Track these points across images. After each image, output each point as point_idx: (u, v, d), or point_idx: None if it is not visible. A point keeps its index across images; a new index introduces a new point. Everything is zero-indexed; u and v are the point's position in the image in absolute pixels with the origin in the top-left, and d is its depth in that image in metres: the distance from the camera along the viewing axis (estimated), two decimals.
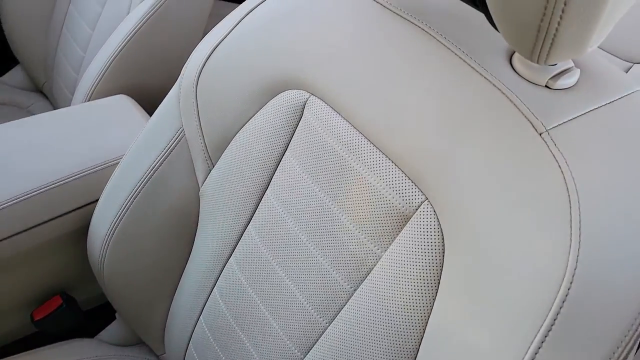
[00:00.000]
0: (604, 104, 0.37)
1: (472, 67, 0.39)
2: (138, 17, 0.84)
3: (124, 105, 0.79)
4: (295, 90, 0.46)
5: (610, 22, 0.30)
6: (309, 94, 0.45)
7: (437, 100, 0.39)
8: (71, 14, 1.03)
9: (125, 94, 0.88)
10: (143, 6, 0.85)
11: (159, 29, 0.85)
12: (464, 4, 0.42)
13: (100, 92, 0.87)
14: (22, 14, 1.10)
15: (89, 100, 0.89)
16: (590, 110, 0.37)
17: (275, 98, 0.48)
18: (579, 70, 0.38)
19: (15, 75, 1.22)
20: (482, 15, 0.43)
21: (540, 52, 0.31)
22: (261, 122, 0.49)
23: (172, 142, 0.55)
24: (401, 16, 0.43)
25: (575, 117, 0.36)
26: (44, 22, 1.10)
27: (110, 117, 0.76)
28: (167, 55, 0.89)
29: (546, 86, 0.38)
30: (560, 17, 0.28)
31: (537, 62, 0.32)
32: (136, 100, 0.87)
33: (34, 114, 0.88)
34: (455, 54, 0.40)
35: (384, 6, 0.44)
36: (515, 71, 0.39)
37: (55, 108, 1.13)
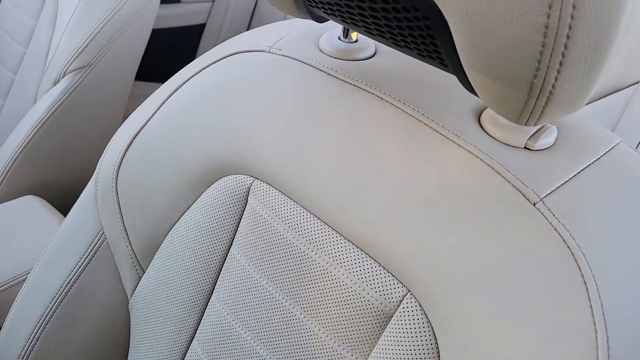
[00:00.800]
0: (590, 162, 0.35)
1: (440, 133, 0.35)
2: (45, 107, 0.79)
3: (32, 208, 0.72)
4: (235, 176, 0.41)
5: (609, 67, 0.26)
6: (252, 178, 0.40)
7: (407, 175, 0.34)
8: None
9: (34, 194, 0.80)
10: (51, 94, 0.79)
11: (70, 117, 0.80)
12: (414, 67, 0.39)
13: (5, 194, 0.80)
14: None
15: None
16: (580, 172, 0.34)
17: (212, 187, 0.42)
18: (555, 126, 0.36)
19: None
20: (438, 75, 0.39)
21: (531, 114, 0.26)
22: (198, 217, 0.43)
23: (91, 248, 0.49)
24: (350, 83, 0.39)
25: (567, 181, 0.33)
26: None
27: (16, 223, 0.70)
28: (81, 146, 0.84)
29: (525, 147, 0.35)
30: (558, 71, 0.24)
31: (526, 124, 0.28)
32: (48, 201, 0.80)
33: None
34: (419, 120, 0.35)
35: (329, 74, 0.40)
36: (488, 134, 0.35)
37: None
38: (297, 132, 0.39)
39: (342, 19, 0.33)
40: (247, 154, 0.40)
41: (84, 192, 0.50)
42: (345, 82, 0.39)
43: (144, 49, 0.89)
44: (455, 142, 0.34)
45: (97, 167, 0.49)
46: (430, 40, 0.28)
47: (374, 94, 0.38)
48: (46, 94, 0.80)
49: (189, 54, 1.28)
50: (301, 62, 0.41)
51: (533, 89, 0.25)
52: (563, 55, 0.23)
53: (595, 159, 0.35)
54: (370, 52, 0.42)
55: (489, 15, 0.24)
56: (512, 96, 0.26)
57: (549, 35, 0.23)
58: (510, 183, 0.32)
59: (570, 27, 0.22)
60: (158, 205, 0.45)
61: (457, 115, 0.36)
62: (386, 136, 0.36)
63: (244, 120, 0.41)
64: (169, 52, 1.24)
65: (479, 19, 0.24)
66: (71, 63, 0.79)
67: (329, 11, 0.33)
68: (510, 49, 0.24)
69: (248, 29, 1.29)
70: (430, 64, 0.31)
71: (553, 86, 0.25)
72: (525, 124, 0.28)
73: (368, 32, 0.33)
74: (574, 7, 0.22)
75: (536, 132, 0.35)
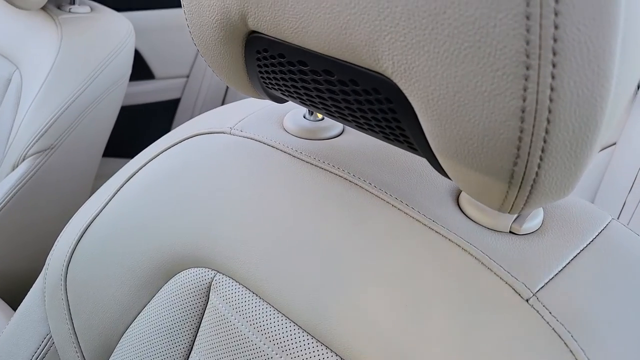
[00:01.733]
0: (584, 247, 0.31)
1: (415, 218, 0.31)
2: (2, 194, 0.75)
3: None
4: (196, 269, 0.37)
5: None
6: (214, 271, 0.36)
7: (381, 267, 0.30)
8: None
9: None
10: (8, 179, 0.76)
11: (29, 203, 0.76)
12: (384, 145, 0.37)
13: None
14: None
15: None
16: (573, 259, 0.31)
17: (169, 282, 0.38)
18: (541, 209, 0.33)
19: None
20: (409, 155, 0.36)
21: (514, 203, 0.23)
22: (155, 315, 0.38)
23: (37, 354, 0.44)
24: (316, 165, 0.36)
25: (561, 270, 0.30)
26: None
27: None
28: (40, 233, 0.80)
29: (511, 232, 0.31)
30: (541, 158, 0.20)
31: (510, 213, 0.24)
32: (3, 292, 0.75)
33: None
34: (395, 207, 0.32)
35: (293, 155, 0.37)
36: (468, 217, 0.31)
37: None
38: (258, 220, 0.35)
39: (300, 101, 0.31)
40: (206, 245, 0.36)
41: (31, 290, 0.46)
42: (311, 164, 0.36)
43: (111, 127, 0.87)
44: (432, 229, 0.30)
45: (45, 263, 0.45)
46: (395, 124, 0.25)
47: (342, 176, 0.35)
48: (3, 180, 0.76)
49: (163, 129, 1.26)
50: (263, 143, 0.39)
51: (514, 178, 0.22)
52: (545, 141, 0.20)
53: (588, 242, 0.32)
54: (338, 130, 0.39)
55: (457, 98, 0.21)
56: (492, 185, 0.23)
57: (527, 119, 0.20)
58: (498, 276, 0.29)
59: (550, 111, 0.19)
60: (111, 305, 0.41)
61: (434, 199, 0.33)
62: (361, 226, 0.32)
63: (202, 208, 0.38)
64: (143, 127, 1.23)
65: (446, 102, 0.21)
66: (31, 147, 0.76)
67: (286, 93, 0.31)
68: (484, 135, 0.21)
69: (223, 103, 1.29)
70: (398, 147, 0.28)
71: (536, 174, 0.21)
72: (509, 212, 0.25)
73: (329, 114, 0.30)
74: (552, 88, 0.19)
75: (519, 214, 0.32)
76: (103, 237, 0.41)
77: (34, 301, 0.45)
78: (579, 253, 0.31)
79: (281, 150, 0.37)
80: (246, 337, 0.34)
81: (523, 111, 0.19)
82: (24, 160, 0.77)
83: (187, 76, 1.20)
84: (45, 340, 0.44)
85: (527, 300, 0.28)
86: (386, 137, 0.28)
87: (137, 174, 0.42)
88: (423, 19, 0.20)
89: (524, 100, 0.19)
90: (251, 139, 0.39)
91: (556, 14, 0.17)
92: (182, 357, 0.37)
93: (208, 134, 0.42)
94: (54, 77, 0.78)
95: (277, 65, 0.29)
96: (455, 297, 0.28)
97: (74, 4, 0.86)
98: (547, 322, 0.27)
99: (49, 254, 0.44)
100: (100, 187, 0.47)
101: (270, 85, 0.31)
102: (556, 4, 0.17)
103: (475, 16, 0.19)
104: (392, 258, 0.30)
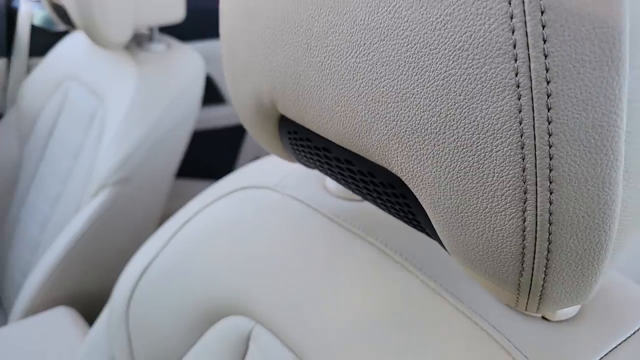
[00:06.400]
0: (623, 339, 0.30)
1: (445, 298, 0.31)
2: (83, 220, 0.81)
3: (62, 321, 0.73)
4: (238, 317, 0.39)
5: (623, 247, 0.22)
6: (253, 322, 0.38)
7: (415, 351, 0.30)
8: (22, 219, 1.01)
9: (67, 303, 0.82)
10: (90, 207, 0.82)
11: (106, 229, 0.82)
12: None
13: (41, 304, 0.82)
14: None
15: (30, 309, 0.83)
16: (610, 352, 0.29)
17: (215, 326, 0.40)
18: None
19: None
20: None
21: (527, 307, 0.23)
22: (201, 356, 0.41)
23: None
24: (355, 233, 0.37)
25: None
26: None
27: (47, 337, 0.70)
28: (114, 257, 0.86)
29: (543, 318, 0.30)
30: (545, 273, 0.20)
31: (526, 312, 0.24)
32: (81, 310, 0.81)
33: None
34: (422, 281, 0.32)
35: (331, 219, 0.38)
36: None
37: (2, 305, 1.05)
38: (294, 280, 0.37)
39: (330, 176, 0.32)
40: (247, 297, 0.38)
41: (99, 318, 0.50)
42: (349, 230, 0.37)
43: (181, 155, 0.91)
44: (462, 312, 0.30)
45: (111, 295, 0.48)
46: (411, 216, 0.26)
47: (379, 247, 0.35)
48: (86, 207, 0.82)
49: (233, 153, 1.31)
50: (303, 203, 0.40)
51: (522, 288, 0.22)
52: (547, 259, 0.20)
53: (630, 334, 0.30)
54: None
55: (460, 209, 0.21)
56: (502, 290, 0.23)
57: (528, 238, 0.20)
58: None
59: (550, 232, 0.19)
60: (166, 341, 0.44)
61: (465, 277, 0.32)
62: (389, 301, 0.32)
63: (244, 261, 0.40)
64: (213, 150, 1.28)
65: (451, 211, 0.22)
66: (109, 178, 0.82)
67: (317, 167, 0.32)
68: (489, 247, 0.21)
69: None
70: (418, 230, 0.29)
71: (543, 287, 0.21)
72: (525, 312, 0.24)
73: (354, 193, 0.31)
74: (550, 212, 0.19)
75: None
76: (159, 279, 0.44)
77: (101, 329, 0.49)
78: (618, 345, 0.29)
79: (321, 214, 0.39)
80: None
81: (524, 230, 0.19)
82: (102, 189, 0.82)
83: None
84: None
85: None
86: (407, 223, 0.28)
87: (188, 223, 0.45)
88: (426, 136, 0.21)
89: (524, 221, 0.19)
90: (294, 197, 0.41)
91: (550, 146, 0.17)
92: None
93: (254, 188, 0.44)
94: (132, 113, 0.84)
95: (306, 146, 0.30)
96: None
97: (152, 41, 0.92)
98: None
99: (114, 288, 0.48)
100: (175, 208, 0.49)
101: (301, 159, 0.33)
102: (550, 137, 0.17)
103: (473, 140, 0.19)
104: (412, 335, 0.31)
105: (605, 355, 0.28)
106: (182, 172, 1.24)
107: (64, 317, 0.73)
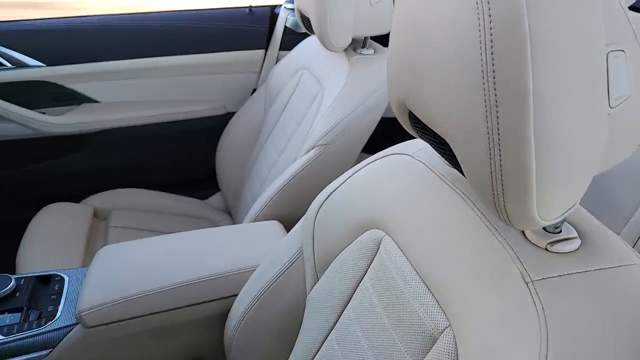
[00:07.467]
0: (592, 269, 0.38)
1: (490, 230, 0.45)
2: (298, 166, 1.01)
3: (272, 229, 0.93)
4: (375, 230, 0.54)
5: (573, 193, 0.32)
6: (384, 232, 0.53)
7: (465, 253, 0.45)
8: (258, 160, 1.29)
9: (278, 219, 1.03)
10: (302, 159, 1.03)
11: (310, 175, 1.03)
12: None
13: (263, 217, 1.06)
14: (229, 151, 1.36)
15: (253, 221, 1.05)
16: (576, 273, 0.38)
17: (360, 237, 0.56)
18: (579, 240, 0.42)
19: (216, 199, 1.53)
20: None
21: (500, 214, 0.35)
22: (351, 253, 0.57)
23: (292, 259, 0.66)
24: (448, 185, 0.51)
25: (561, 275, 0.38)
26: (242, 160, 1.36)
27: (259, 237, 0.90)
28: (313, 193, 1.04)
29: (545, 249, 0.41)
30: (503, 195, 0.34)
31: (511, 226, 0.36)
32: (285, 226, 1.03)
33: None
34: (482, 221, 0.46)
35: (448, 185, 0.51)
36: (524, 235, 0.44)
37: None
38: (413, 211, 0.50)
39: (427, 143, 0.45)
40: (383, 217, 0.53)
41: (296, 224, 0.68)
42: (450, 186, 0.50)
43: (369, 134, 1.06)
44: (496, 237, 0.43)
45: (307, 210, 0.67)
46: (455, 160, 0.40)
47: (464, 199, 0.48)
48: (300, 158, 1.02)
49: (409, 136, 1.46)
50: (426, 165, 0.54)
51: (497, 205, 0.34)
52: (502, 171, 0.32)
53: (600, 268, 0.37)
54: None
55: (464, 154, 0.36)
56: (489, 203, 0.36)
57: (493, 161, 0.33)
58: (516, 267, 0.39)
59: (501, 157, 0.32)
60: (334, 239, 0.59)
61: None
62: (459, 228, 0.46)
63: (385, 195, 0.54)
64: (389, 135, 1.46)
65: (461, 154, 0.36)
66: (318, 141, 1.01)
67: (422, 138, 0.46)
68: (473, 169, 0.35)
69: None
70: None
71: (505, 207, 0.34)
72: (511, 225, 0.36)
73: (435, 150, 0.44)
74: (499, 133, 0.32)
75: (560, 240, 0.41)
76: (338, 201, 0.60)
77: (296, 230, 0.67)
78: (585, 272, 0.37)
79: (436, 173, 0.52)
80: (392, 275, 0.49)
81: (490, 157, 0.33)
82: (312, 148, 1.01)
83: None
84: (299, 251, 0.64)
85: (526, 283, 0.37)
86: (453, 165, 0.41)
87: (358, 172, 0.61)
88: (453, 117, 0.40)
89: (490, 150, 0.32)
90: (420, 161, 0.55)
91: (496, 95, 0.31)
92: (360, 277, 0.55)
93: (399, 154, 0.58)
94: (340, 97, 1.01)
95: (419, 129, 0.45)
96: (490, 270, 0.40)
97: (364, 47, 1.11)
98: (533, 300, 0.36)
99: (310, 206, 0.65)
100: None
101: (418, 135, 0.48)
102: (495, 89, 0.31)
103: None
104: (469, 246, 0.44)
105: (571, 273, 0.37)
106: (366, 149, 1.43)
107: (273, 227, 0.94)
